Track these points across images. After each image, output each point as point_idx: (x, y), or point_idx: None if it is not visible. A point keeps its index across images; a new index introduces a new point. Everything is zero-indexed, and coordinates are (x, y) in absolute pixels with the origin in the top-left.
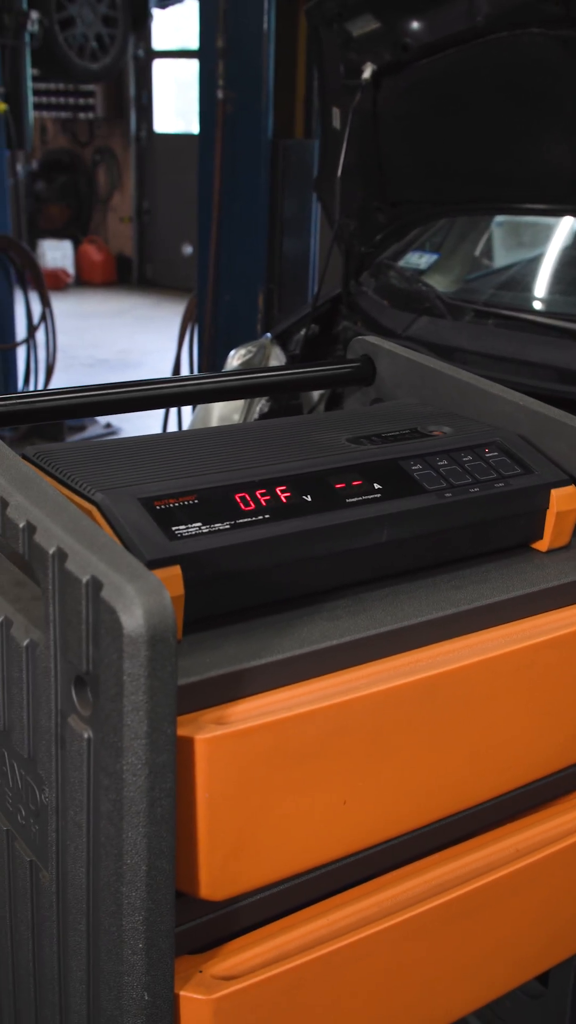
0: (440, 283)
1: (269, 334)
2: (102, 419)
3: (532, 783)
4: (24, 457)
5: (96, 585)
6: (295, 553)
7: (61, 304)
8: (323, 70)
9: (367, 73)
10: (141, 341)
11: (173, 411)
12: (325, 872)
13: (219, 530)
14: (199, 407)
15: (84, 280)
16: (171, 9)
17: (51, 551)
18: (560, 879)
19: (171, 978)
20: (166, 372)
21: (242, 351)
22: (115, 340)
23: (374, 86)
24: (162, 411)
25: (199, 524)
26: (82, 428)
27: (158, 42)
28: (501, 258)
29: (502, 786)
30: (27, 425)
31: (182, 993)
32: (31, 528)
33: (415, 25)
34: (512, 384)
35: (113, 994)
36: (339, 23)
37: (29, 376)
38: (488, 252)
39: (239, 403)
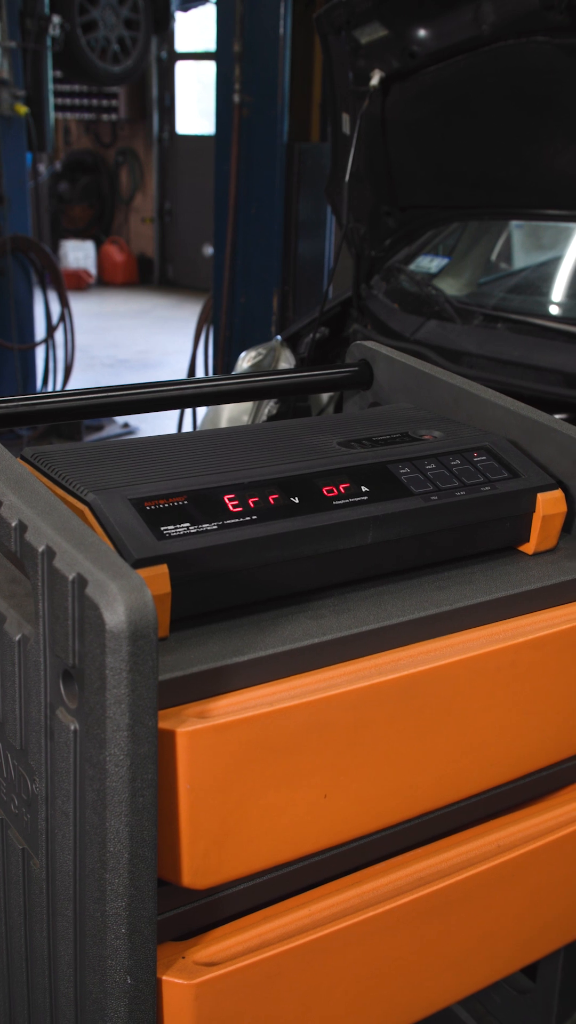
0: (451, 287)
1: (280, 336)
2: (119, 419)
3: (513, 781)
4: (21, 458)
5: (81, 582)
6: (281, 553)
7: (82, 304)
8: (332, 76)
9: (375, 80)
10: (161, 341)
11: (188, 411)
12: (307, 864)
13: (207, 530)
14: (209, 408)
15: (106, 280)
16: (194, 12)
17: (40, 549)
18: (543, 875)
19: (153, 963)
20: (185, 372)
21: (252, 353)
22: (135, 340)
23: (382, 92)
24: (176, 411)
25: (188, 524)
26: (100, 428)
27: (181, 44)
28: (519, 261)
29: (483, 783)
30: (45, 425)
31: (164, 978)
32: (23, 527)
33: (422, 33)
34: (518, 388)
35: (98, 978)
36: (348, 31)
37: (48, 376)
38: (501, 256)
39: (247, 405)
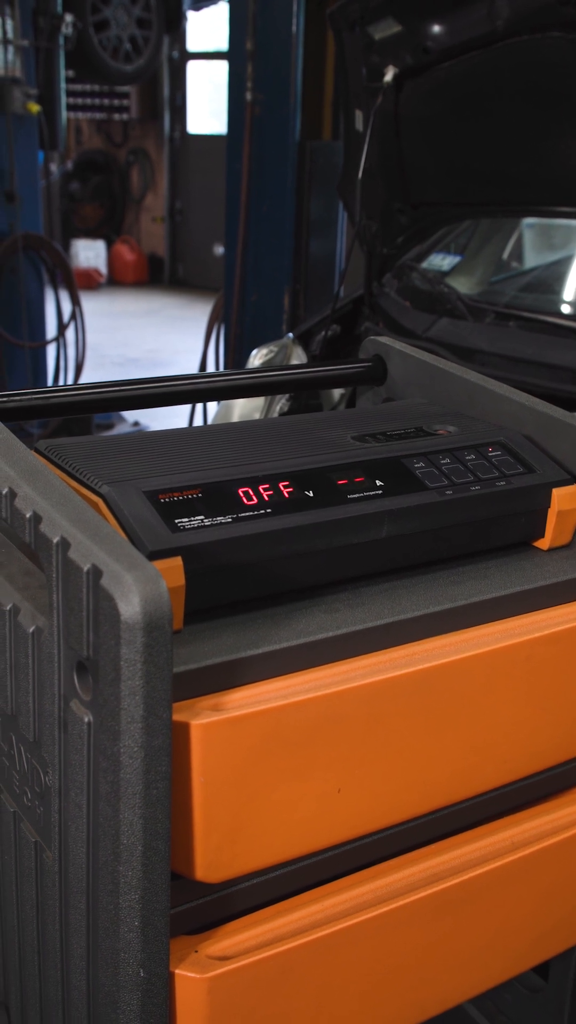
0: (463, 285)
1: (291, 334)
2: (130, 419)
3: (528, 777)
4: (35, 451)
5: (96, 573)
6: (296, 547)
7: (93, 303)
8: (346, 73)
9: (389, 76)
10: (171, 340)
11: (199, 411)
12: (320, 859)
13: (221, 523)
14: (221, 407)
15: (116, 280)
16: (205, 11)
17: (55, 540)
18: (556, 873)
19: (166, 956)
20: (194, 371)
21: (264, 351)
22: (145, 339)
23: (396, 88)
24: (187, 410)
25: (202, 517)
26: (110, 426)
27: (193, 43)
28: (531, 261)
29: (497, 779)
30: (56, 424)
31: (177, 972)
32: (37, 518)
33: (436, 29)
34: (531, 386)
35: (110, 971)
36: (361, 27)
37: (59, 374)
38: (512, 255)
39: (259, 403)
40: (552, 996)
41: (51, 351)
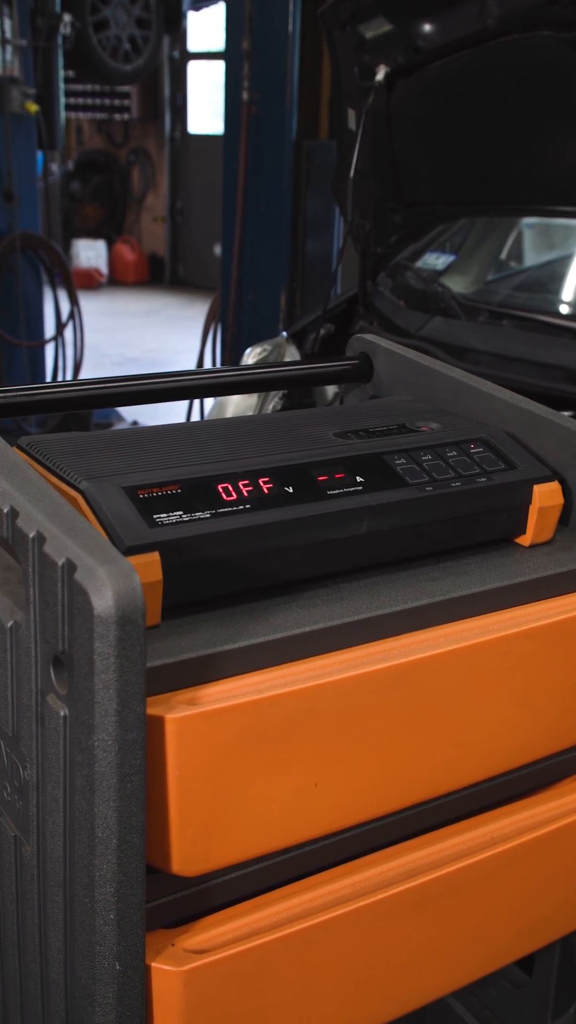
0: (458, 284)
1: (285, 333)
2: (129, 418)
3: (507, 773)
4: (17, 447)
5: (71, 568)
6: (274, 542)
7: (94, 303)
8: (338, 72)
9: (380, 75)
10: (171, 340)
11: (196, 413)
12: (298, 853)
13: (200, 518)
14: (214, 406)
15: (117, 280)
16: (206, 11)
17: (31, 535)
18: (537, 868)
19: (142, 949)
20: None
21: (257, 349)
22: (145, 339)
23: (387, 88)
24: (183, 408)
25: (180, 512)
26: (109, 426)
27: (194, 43)
28: (530, 260)
29: (476, 775)
30: (55, 423)
31: (153, 965)
32: (14, 513)
33: (427, 28)
34: (523, 385)
35: (87, 964)
36: (352, 25)
37: (57, 373)
38: (512, 255)
39: (252, 402)
40: (536, 991)
41: (49, 350)
